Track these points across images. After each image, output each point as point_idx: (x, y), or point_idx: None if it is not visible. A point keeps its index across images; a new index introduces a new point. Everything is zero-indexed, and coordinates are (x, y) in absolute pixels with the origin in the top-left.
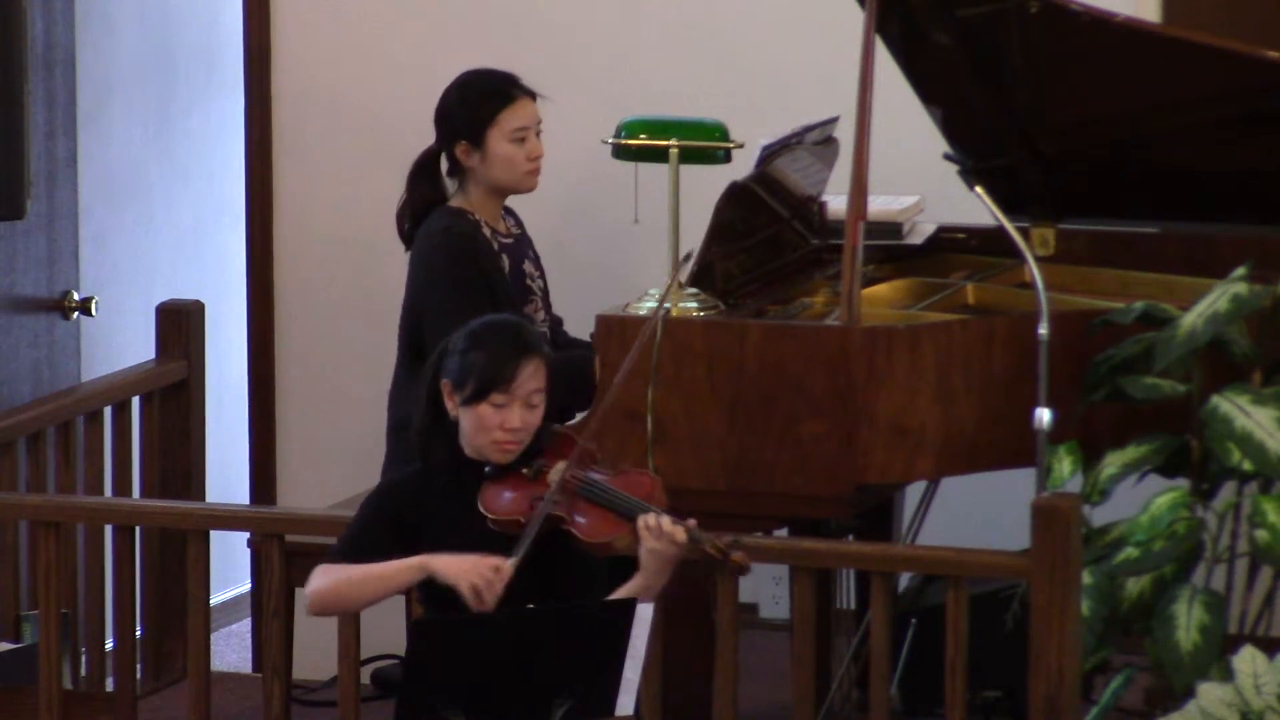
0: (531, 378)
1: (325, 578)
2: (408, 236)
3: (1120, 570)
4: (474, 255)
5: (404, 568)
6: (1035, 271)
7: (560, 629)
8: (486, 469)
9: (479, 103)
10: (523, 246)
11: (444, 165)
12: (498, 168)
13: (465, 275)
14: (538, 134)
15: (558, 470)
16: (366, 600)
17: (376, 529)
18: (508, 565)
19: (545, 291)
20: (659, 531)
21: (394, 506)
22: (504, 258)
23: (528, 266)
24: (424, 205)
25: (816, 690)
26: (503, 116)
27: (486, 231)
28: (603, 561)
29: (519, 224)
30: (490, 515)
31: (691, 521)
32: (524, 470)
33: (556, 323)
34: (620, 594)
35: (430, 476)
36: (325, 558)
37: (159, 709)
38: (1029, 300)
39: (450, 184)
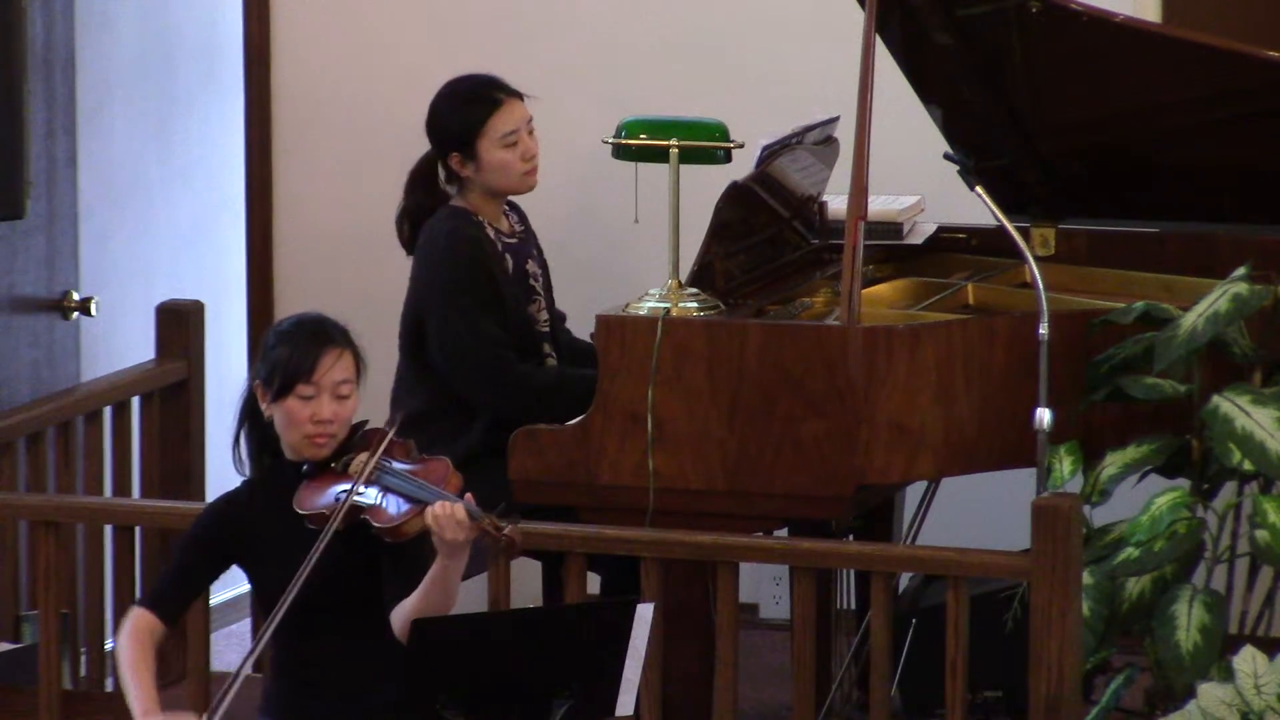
0: (335, 367)
1: (124, 641)
2: (409, 242)
3: (1120, 570)
4: (478, 259)
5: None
6: (1035, 271)
7: (560, 629)
8: (304, 467)
9: (465, 112)
10: (526, 245)
11: (441, 174)
12: (493, 174)
13: (469, 279)
14: (530, 132)
15: (360, 462)
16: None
17: (194, 564)
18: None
19: (548, 288)
20: (445, 516)
21: (211, 532)
22: (507, 258)
23: (530, 266)
24: (421, 213)
25: (816, 690)
26: (490, 123)
27: (490, 232)
28: (420, 549)
29: (522, 219)
30: (302, 513)
31: (469, 496)
32: (333, 465)
33: (559, 319)
34: (426, 579)
35: (254, 486)
36: (144, 594)
37: None
38: (1029, 300)
39: (449, 189)
